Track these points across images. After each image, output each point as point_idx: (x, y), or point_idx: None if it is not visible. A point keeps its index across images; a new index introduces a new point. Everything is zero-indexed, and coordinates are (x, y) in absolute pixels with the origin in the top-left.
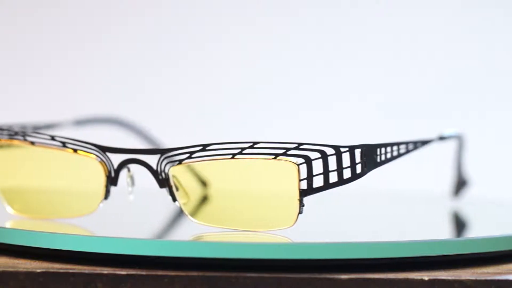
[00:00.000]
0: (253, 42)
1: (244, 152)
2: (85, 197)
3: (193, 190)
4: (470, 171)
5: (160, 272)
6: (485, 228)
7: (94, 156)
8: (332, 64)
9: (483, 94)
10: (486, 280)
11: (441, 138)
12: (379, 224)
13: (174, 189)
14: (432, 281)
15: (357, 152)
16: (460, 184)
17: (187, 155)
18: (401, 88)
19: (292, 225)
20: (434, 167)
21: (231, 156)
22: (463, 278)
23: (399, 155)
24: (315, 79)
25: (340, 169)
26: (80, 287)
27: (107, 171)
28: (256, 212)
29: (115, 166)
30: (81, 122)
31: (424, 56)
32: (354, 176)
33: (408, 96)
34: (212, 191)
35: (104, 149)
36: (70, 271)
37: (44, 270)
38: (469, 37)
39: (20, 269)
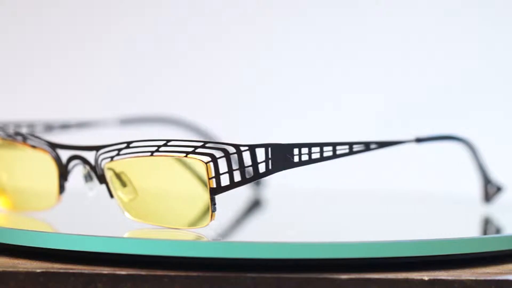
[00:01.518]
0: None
1: (160, 150)
2: (44, 192)
3: (124, 186)
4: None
5: (160, 272)
6: (484, 227)
7: (48, 152)
8: (332, 63)
9: (485, 94)
10: (486, 280)
11: (418, 140)
12: (378, 224)
13: (110, 185)
14: (432, 281)
15: (260, 151)
16: (494, 190)
17: (116, 152)
18: (403, 88)
19: (208, 224)
20: (434, 167)
21: (150, 153)
22: (463, 278)
23: (335, 156)
24: (316, 78)
25: (242, 168)
26: (80, 287)
27: (57, 167)
28: (176, 210)
29: (64, 162)
30: (126, 121)
31: (423, 56)
32: (257, 175)
33: (412, 96)
34: (137, 187)
35: (53, 146)
36: (70, 271)
37: (44, 270)
38: (468, 37)
39: (20, 269)
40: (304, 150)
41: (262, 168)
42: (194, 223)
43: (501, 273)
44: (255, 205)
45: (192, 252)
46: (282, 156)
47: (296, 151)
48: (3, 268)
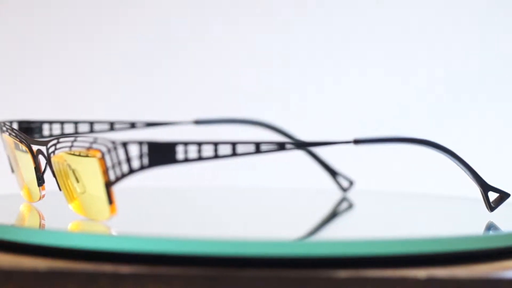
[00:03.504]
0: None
1: (73, 145)
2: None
3: (62, 180)
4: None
5: (162, 270)
6: (481, 225)
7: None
8: (333, 63)
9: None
10: (481, 278)
11: (356, 141)
12: (375, 222)
13: (57, 177)
14: (429, 279)
15: (134, 148)
16: (499, 198)
17: (54, 147)
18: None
19: (109, 217)
20: (431, 167)
21: (68, 148)
22: (459, 275)
23: (214, 155)
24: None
25: (120, 163)
26: (83, 285)
27: (33, 161)
28: (91, 203)
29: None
30: (201, 122)
31: (424, 55)
32: (131, 171)
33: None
34: (68, 181)
35: (28, 141)
36: (74, 269)
37: (48, 267)
38: (468, 37)
39: (25, 267)
40: (192, 148)
41: (136, 164)
42: (99, 216)
43: (496, 271)
44: (344, 205)
45: (193, 250)
46: (160, 153)
47: (177, 149)
48: (7, 266)
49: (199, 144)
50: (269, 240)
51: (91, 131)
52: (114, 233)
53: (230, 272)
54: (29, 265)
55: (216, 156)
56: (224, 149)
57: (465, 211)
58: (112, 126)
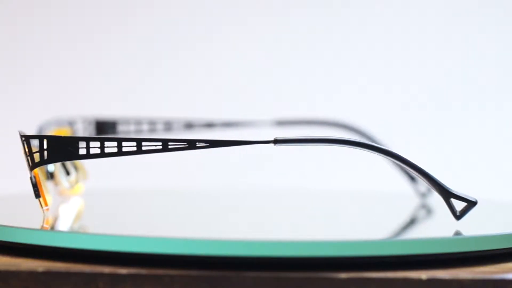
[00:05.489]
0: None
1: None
2: None
3: None
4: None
5: (160, 271)
6: (481, 226)
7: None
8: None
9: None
10: (484, 279)
11: (276, 141)
12: (376, 223)
13: None
14: (430, 280)
15: (36, 142)
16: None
17: None
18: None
19: (46, 208)
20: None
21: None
22: (461, 277)
23: (118, 152)
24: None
25: (26, 155)
26: (82, 286)
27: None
28: None
29: None
30: (282, 123)
31: (423, 55)
32: (34, 164)
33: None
34: None
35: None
36: (72, 270)
37: (46, 269)
38: (467, 37)
39: (22, 268)
40: (94, 144)
41: (36, 157)
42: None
43: (499, 272)
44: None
45: (191, 250)
46: (61, 148)
47: (80, 144)
48: (5, 267)
49: (102, 140)
50: (269, 240)
51: (167, 129)
52: (112, 234)
53: (229, 273)
54: (27, 266)
55: (119, 153)
56: (129, 146)
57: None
58: (189, 124)
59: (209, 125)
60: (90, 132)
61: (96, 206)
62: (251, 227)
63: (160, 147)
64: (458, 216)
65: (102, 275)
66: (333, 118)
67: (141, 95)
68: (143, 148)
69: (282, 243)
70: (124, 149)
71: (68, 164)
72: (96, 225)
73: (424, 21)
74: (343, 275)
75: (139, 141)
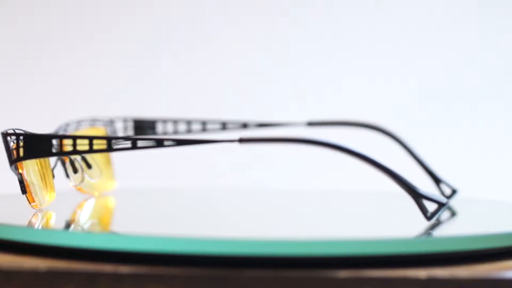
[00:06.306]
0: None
1: None
2: None
3: None
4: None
5: (162, 270)
6: (479, 225)
7: None
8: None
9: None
10: (482, 278)
11: (241, 140)
12: (375, 222)
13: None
14: (429, 279)
15: (13, 139)
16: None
17: None
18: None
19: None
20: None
21: None
22: (459, 275)
23: (89, 149)
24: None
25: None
26: (84, 285)
27: None
28: None
29: None
30: (313, 124)
31: (423, 55)
32: (12, 160)
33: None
34: None
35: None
36: (74, 269)
37: (48, 267)
38: (467, 37)
39: (25, 267)
40: (67, 142)
41: (14, 154)
42: None
43: (496, 271)
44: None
45: (193, 249)
46: (35, 146)
47: (54, 142)
48: (8, 265)
49: (74, 138)
50: (268, 239)
51: (203, 130)
52: (114, 232)
53: (230, 272)
54: (29, 265)
55: (91, 150)
56: (99, 144)
57: (461, 210)
58: (224, 125)
59: (244, 125)
60: (129, 132)
61: (96, 206)
62: (251, 226)
63: (130, 145)
64: (429, 217)
65: (104, 274)
66: (365, 120)
67: (141, 95)
68: (113, 146)
69: (281, 242)
70: (94, 147)
71: (81, 161)
72: (97, 224)
73: (425, 21)
74: (342, 274)
75: (109, 140)
